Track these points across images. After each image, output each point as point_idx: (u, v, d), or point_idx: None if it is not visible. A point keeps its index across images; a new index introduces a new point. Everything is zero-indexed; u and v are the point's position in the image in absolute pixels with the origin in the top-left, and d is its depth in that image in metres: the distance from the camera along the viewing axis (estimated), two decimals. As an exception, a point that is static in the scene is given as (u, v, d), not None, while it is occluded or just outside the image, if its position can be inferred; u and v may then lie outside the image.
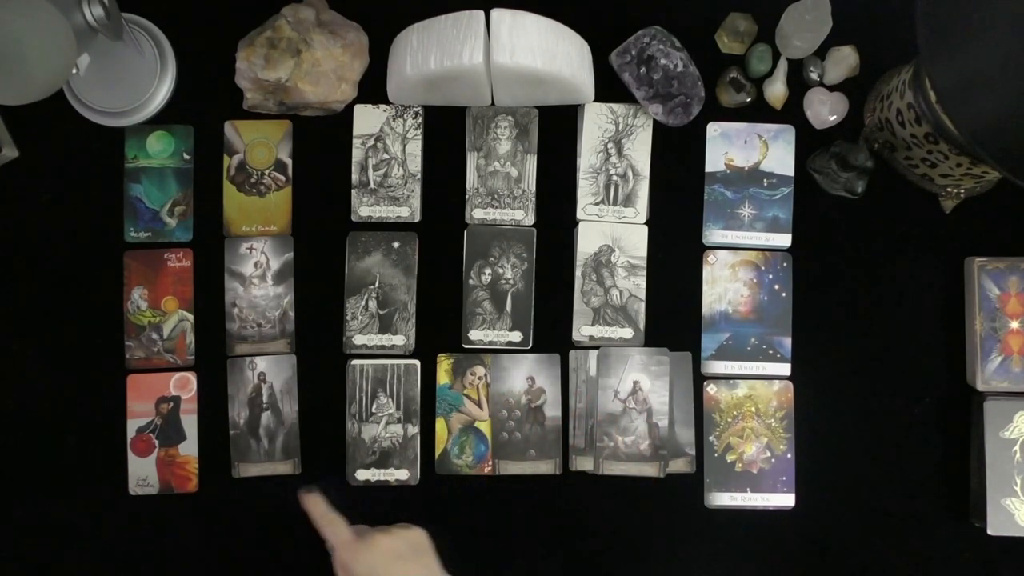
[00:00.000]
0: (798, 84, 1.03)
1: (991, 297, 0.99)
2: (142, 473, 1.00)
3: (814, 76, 1.02)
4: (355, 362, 1.01)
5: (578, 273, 1.01)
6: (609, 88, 1.01)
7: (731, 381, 1.01)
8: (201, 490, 1.01)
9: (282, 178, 1.03)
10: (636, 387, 1.00)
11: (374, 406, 1.00)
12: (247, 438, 1.00)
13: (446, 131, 1.03)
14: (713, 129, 1.02)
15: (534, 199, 1.02)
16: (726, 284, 1.02)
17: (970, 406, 1.00)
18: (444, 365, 1.01)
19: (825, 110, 1.02)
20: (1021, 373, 0.98)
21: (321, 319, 1.02)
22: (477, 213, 1.02)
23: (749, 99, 1.02)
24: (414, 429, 1.00)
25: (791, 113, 1.03)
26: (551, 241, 1.02)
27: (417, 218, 1.02)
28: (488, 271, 1.01)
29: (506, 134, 1.02)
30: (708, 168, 1.02)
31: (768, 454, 1.00)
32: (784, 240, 1.02)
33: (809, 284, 1.02)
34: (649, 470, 0.99)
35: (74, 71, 0.88)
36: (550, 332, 1.01)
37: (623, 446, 0.99)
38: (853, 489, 1.01)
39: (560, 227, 1.03)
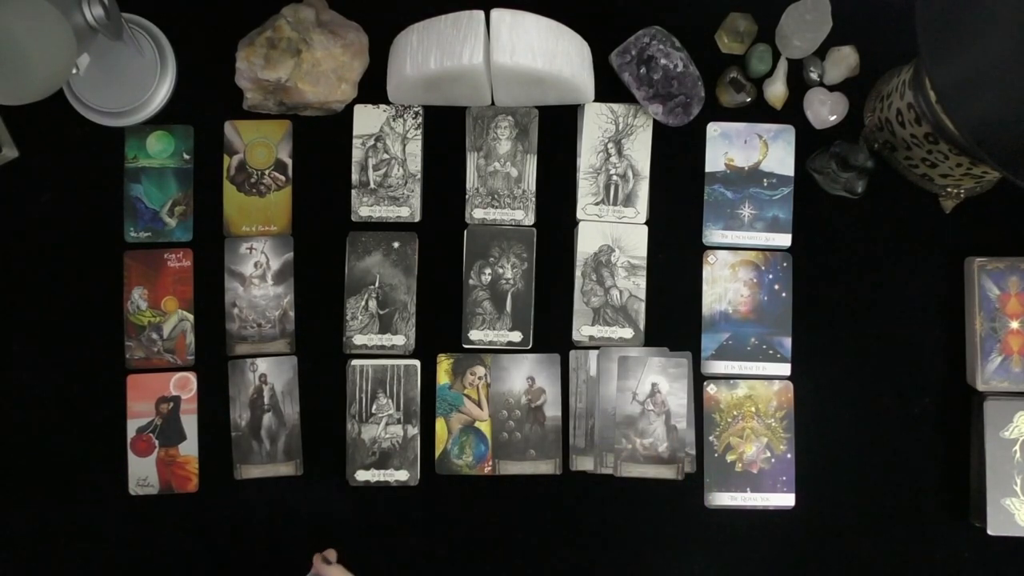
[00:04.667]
0: (798, 84, 1.03)
1: (991, 297, 0.99)
2: (142, 473, 1.00)
3: (814, 76, 1.02)
4: (355, 362, 1.01)
5: (578, 273, 1.01)
6: (609, 88, 1.01)
7: (731, 381, 1.01)
8: (201, 490, 1.01)
9: (282, 178, 1.03)
10: (655, 389, 1.00)
11: (374, 407, 1.00)
12: (249, 440, 1.00)
13: (446, 131, 1.03)
14: (713, 129, 1.02)
15: (534, 199, 1.02)
16: (726, 284, 1.02)
17: (970, 406, 1.00)
18: (444, 365, 1.01)
19: (825, 110, 1.02)
20: (1021, 373, 0.98)
21: (321, 319, 1.02)
22: (477, 213, 1.02)
23: (749, 99, 1.02)
24: (414, 430, 1.00)
25: (791, 113, 1.03)
26: (551, 241, 1.02)
27: (417, 218, 1.02)
28: (488, 271, 1.01)
29: (506, 134, 1.02)
30: (708, 168, 1.02)
31: (768, 454, 1.00)
32: (784, 240, 1.02)
33: (809, 284, 1.02)
34: (667, 472, 0.99)
35: (74, 71, 0.88)
36: (550, 332, 1.01)
37: (641, 448, 0.99)
38: (853, 489, 1.01)
39: (560, 227, 1.03)
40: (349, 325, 1.01)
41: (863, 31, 1.02)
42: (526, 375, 1.01)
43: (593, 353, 1.01)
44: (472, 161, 1.02)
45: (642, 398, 1.00)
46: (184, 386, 1.01)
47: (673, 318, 1.02)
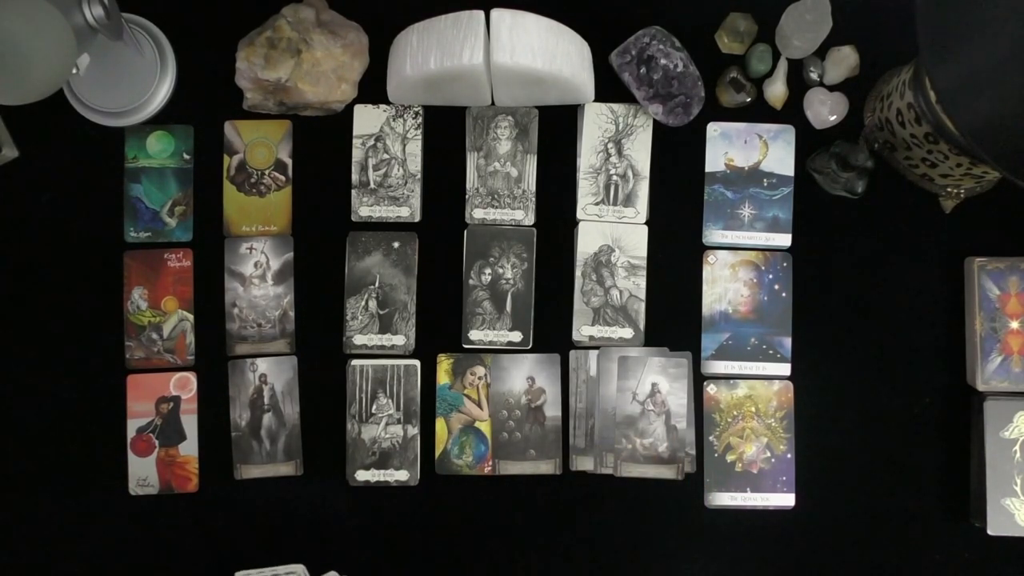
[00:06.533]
0: (798, 84, 1.03)
1: (991, 297, 0.99)
2: (142, 473, 1.00)
3: (814, 76, 1.02)
4: (355, 362, 1.01)
5: (578, 273, 1.01)
6: (609, 88, 1.01)
7: (731, 381, 1.01)
8: (201, 490, 1.01)
9: (282, 178, 1.03)
10: (655, 389, 1.00)
11: (374, 407, 1.00)
12: (249, 440, 1.00)
13: (446, 131, 1.03)
14: (713, 129, 1.02)
15: (534, 199, 1.02)
16: (726, 284, 1.02)
17: (970, 406, 1.00)
18: (444, 365, 1.01)
19: (825, 110, 1.02)
20: (1021, 373, 0.98)
21: (321, 319, 1.02)
22: (477, 213, 1.02)
23: (749, 99, 1.02)
24: (414, 430, 1.00)
25: (791, 113, 1.03)
26: (551, 241, 1.02)
27: (417, 218, 1.02)
28: (488, 271, 1.01)
29: (506, 134, 1.02)
30: (708, 168, 1.02)
31: (768, 454, 1.00)
32: (784, 240, 1.02)
33: (809, 284, 1.02)
34: (667, 472, 0.99)
35: (74, 71, 0.88)
36: (550, 332, 1.01)
37: (641, 448, 0.99)
38: (853, 489, 1.01)
39: (560, 227, 1.03)
40: (349, 325, 1.01)
41: (863, 31, 1.02)
42: (526, 375, 1.01)
43: (593, 353, 1.01)
44: (472, 161, 1.02)
45: (642, 398, 1.00)
46: (184, 386, 1.01)
47: (673, 318, 1.02)
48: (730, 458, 1.01)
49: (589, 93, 1.00)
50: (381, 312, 1.01)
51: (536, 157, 1.02)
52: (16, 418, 1.01)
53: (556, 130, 1.03)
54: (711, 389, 1.01)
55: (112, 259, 1.02)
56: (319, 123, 1.03)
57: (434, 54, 0.94)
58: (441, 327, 1.02)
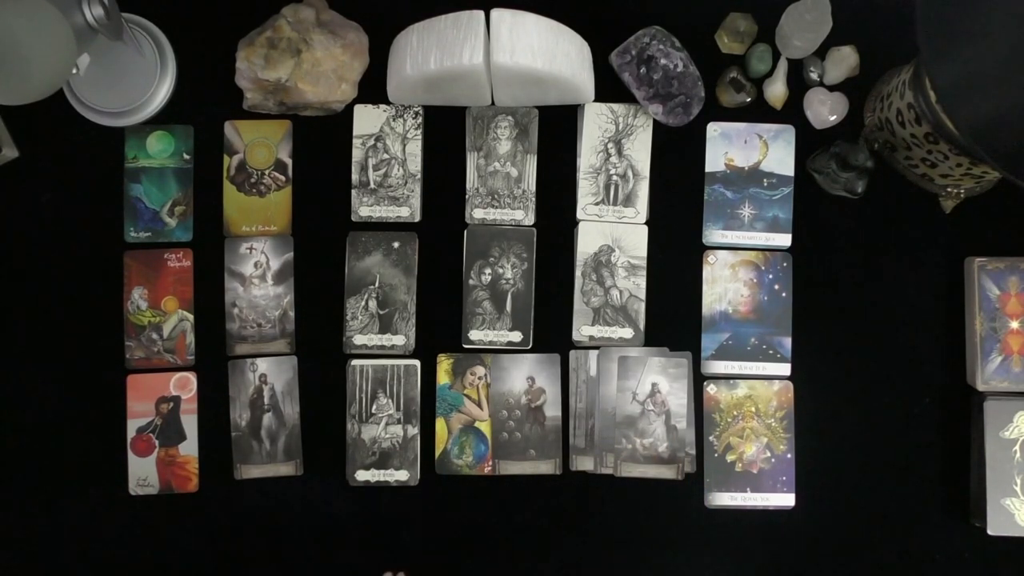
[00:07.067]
0: (798, 84, 1.03)
1: (991, 297, 0.99)
2: (142, 473, 1.00)
3: (814, 76, 1.02)
4: (355, 362, 1.01)
5: (578, 273, 1.01)
6: (609, 88, 1.01)
7: (731, 381, 1.01)
8: (201, 490, 1.01)
9: (282, 178, 1.03)
10: (655, 389, 1.00)
11: (374, 407, 1.00)
12: (249, 440, 1.00)
13: (446, 131, 1.03)
14: (713, 129, 1.02)
15: (534, 199, 1.02)
16: (726, 284, 1.02)
17: (970, 406, 1.00)
18: (444, 365, 1.01)
19: (825, 110, 1.02)
20: (1021, 373, 0.98)
21: (321, 319, 1.02)
22: (477, 213, 1.02)
23: (749, 99, 1.02)
24: (414, 430, 1.01)
25: (791, 113, 1.03)
26: (551, 241, 1.02)
27: (417, 218, 1.02)
28: (488, 271, 1.01)
29: (506, 134, 1.02)
30: (708, 168, 1.02)
31: (768, 454, 1.00)
32: (784, 240, 1.02)
33: (809, 284, 1.02)
34: (667, 472, 0.99)
35: (74, 71, 0.88)
36: (550, 332, 1.02)
37: (641, 448, 0.99)
38: (853, 489, 1.01)
39: (560, 227, 1.03)
40: (349, 325, 1.01)
41: (863, 31, 1.02)
42: (526, 375, 1.01)
43: (593, 353, 1.01)
44: (472, 161, 1.02)
45: (642, 398, 1.00)
46: (184, 386, 1.01)
47: (673, 318, 1.02)
48: (730, 458, 1.01)
49: (589, 93, 1.00)
50: (381, 312, 1.01)
51: (536, 157, 1.02)
52: (16, 418, 1.01)
53: (556, 130, 1.03)
54: (711, 389, 1.01)
55: (112, 259, 1.02)
56: (319, 123, 1.03)
57: (434, 54, 0.94)
58: (441, 327, 1.02)
